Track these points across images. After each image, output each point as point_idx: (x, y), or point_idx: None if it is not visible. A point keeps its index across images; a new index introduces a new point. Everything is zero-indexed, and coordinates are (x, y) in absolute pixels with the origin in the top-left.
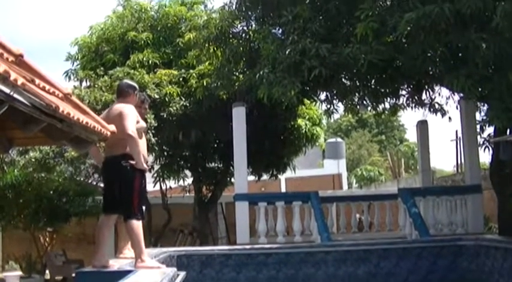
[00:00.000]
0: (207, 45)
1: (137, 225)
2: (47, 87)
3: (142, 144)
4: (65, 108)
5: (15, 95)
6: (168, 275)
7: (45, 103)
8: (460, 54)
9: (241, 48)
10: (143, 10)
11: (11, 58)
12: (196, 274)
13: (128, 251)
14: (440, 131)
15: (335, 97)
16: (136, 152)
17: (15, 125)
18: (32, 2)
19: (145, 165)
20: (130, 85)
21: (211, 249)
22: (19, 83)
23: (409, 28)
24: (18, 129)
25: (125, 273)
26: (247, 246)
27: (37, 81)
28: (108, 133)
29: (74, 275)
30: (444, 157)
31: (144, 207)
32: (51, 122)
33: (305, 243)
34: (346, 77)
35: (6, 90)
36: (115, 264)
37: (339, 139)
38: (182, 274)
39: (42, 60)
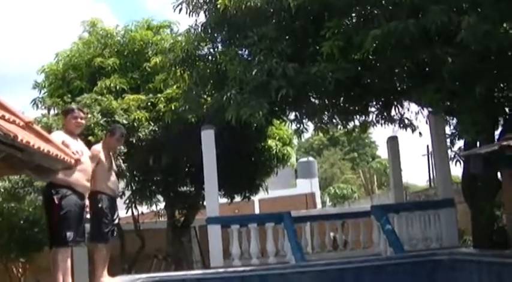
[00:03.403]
0: (173, 68)
1: (56, 253)
2: (7, 115)
3: (80, 169)
4: (24, 137)
5: None
6: None
7: (3, 133)
8: (427, 69)
9: (208, 71)
10: (109, 35)
11: None
12: None
13: (106, 279)
14: (412, 146)
15: (304, 116)
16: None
17: None
18: None
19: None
20: (62, 111)
21: (184, 274)
22: None
23: (374, 45)
24: None
25: None
26: (221, 270)
27: None
28: (72, 161)
29: None
30: (417, 172)
31: (68, 234)
32: (10, 151)
33: (279, 264)
34: (315, 96)
35: None
36: None
37: (311, 158)
38: None
39: (10, 88)
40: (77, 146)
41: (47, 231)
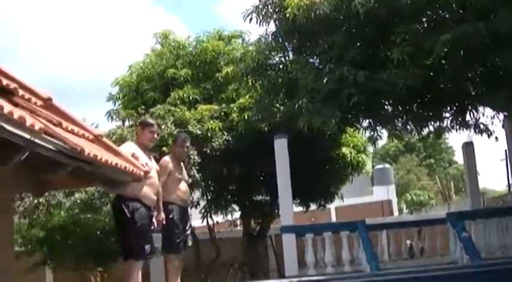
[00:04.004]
0: (245, 78)
1: (133, 265)
2: (76, 129)
3: (149, 183)
4: (91, 150)
5: (37, 140)
6: None
7: (70, 146)
8: (499, 73)
9: (279, 80)
10: (181, 47)
11: (39, 102)
12: None
13: None
14: (491, 150)
15: (377, 123)
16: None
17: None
18: (73, 45)
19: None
20: (140, 121)
21: None
22: (36, 128)
23: (445, 50)
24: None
25: None
26: (295, 280)
27: (65, 124)
28: (141, 173)
29: None
30: (496, 177)
31: (147, 247)
32: (78, 165)
33: (354, 273)
34: (387, 103)
35: (26, 136)
36: None
37: (387, 165)
38: None
39: (85, 101)
40: (146, 159)
41: (121, 244)
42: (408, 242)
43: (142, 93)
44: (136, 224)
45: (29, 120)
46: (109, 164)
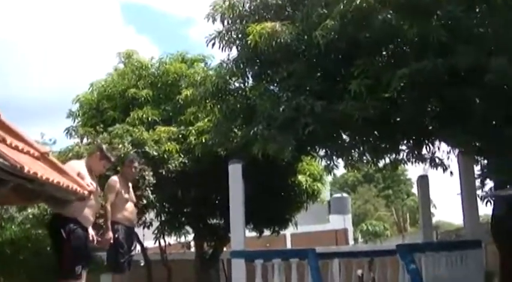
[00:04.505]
0: (204, 102)
1: None
2: (21, 146)
3: (89, 205)
4: (32, 167)
5: None
6: None
7: (10, 163)
8: (455, 109)
9: (238, 105)
10: (144, 67)
11: None
12: None
13: None
14: (451, 183)
15: (334, 153)
16: None
17: None
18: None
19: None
20: (102, 150)
21: None
22: None
23: (402, 84)
24: None
25: None
26: None
27: (9, 140)
28: (85, 193)
29: None
30: (454, 210)
31: (77, 268)
32: (19, 182)
33: None
34: (345, 133)
35: None
36: None
37: (345, 194)
38: None
39: (52, 115)
40: (90, 180)
41: (57, 263)
42: (359, 271)
43: (102, 112)
44: (70, 245)
45: None
46: (51, 182)
